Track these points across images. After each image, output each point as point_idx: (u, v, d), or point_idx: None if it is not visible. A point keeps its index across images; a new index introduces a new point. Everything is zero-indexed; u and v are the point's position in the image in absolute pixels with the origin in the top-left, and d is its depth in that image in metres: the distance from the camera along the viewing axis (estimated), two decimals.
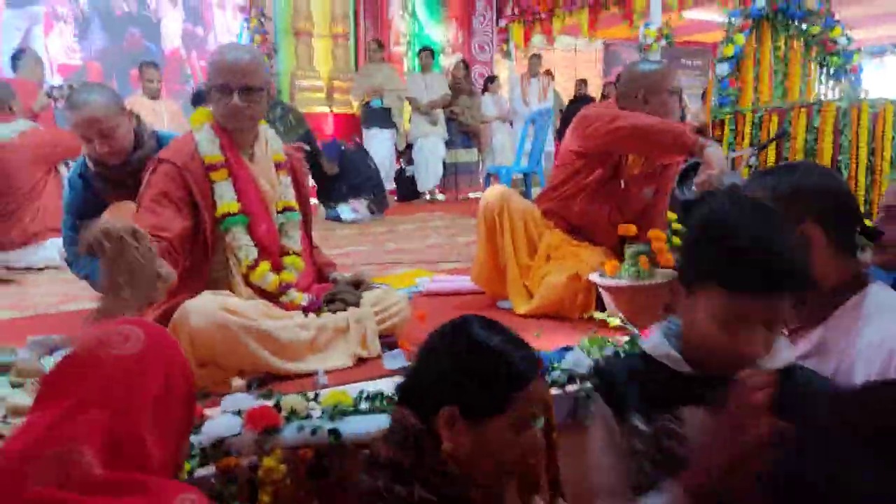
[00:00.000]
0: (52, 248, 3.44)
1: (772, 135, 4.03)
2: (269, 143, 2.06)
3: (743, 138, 4.32)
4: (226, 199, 1.89)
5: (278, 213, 2.04)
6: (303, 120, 5.67)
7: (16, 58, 4.83)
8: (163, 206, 1.80)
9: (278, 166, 2.06)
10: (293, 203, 2.08)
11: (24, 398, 1.58)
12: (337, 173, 5.67)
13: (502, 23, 9.05)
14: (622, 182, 2.45)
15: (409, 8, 8.51)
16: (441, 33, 8.74)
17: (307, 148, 5.02)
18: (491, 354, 1.03)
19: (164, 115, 5.68)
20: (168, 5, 7.58)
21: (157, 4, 7.51)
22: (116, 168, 2.26)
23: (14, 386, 1.64)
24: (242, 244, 1.91)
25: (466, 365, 1.04)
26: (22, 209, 3.65)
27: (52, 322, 2.45)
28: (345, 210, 5.58)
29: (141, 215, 1.80)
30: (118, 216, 2.30)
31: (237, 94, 1.85)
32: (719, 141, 4.49)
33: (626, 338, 2.06)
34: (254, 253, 1.92)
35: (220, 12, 7.77)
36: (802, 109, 4.01)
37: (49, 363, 1.69)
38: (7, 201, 3.64)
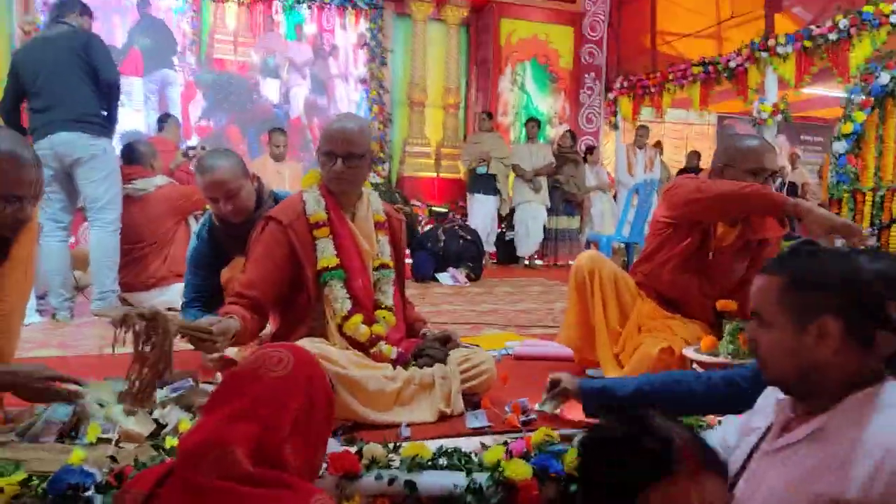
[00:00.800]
0: (175, 292, 3.73)
1: (894, 215, 3.80)
2: (371, 204, 2.20)
3: (863, 218, 4.09)
4: (326, 254, 2.03)
5: (374, 269, 2.16)
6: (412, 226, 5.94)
7: (161, 120, 5.40)
8: (264, 264, 1.99)
9: (378, 226, 2.19)
10: (389, 261, 2.19)
11: (136, 425, 1.73)
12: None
13: (610, 96, 9.14)
14: (710, 253, 2.40)
15: (518, 81, 8.79)
16: (548, 105, 8.94)
17: (407, 209, 5.28)
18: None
19: (287, 175, 6.12)
20: (297, 76, 8.25)
21: (288, 74, 8.19)
22: (239, 226, 2.47)
23: (128, 414, 1.79)
24: (339, 296, 2.03)
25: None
26: (152, 255, 4.00)
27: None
28: (444, 277, 5.74)
29: (246, 270, 2.01)
30: (238, 269, 2.53)
31: (340, 160, 2.01)
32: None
33: (720, 419, 1.98)
34: (348, 305, 2.04)
35: (342, 83, 8.35)
36: None
37: (160, 395, 1.85)
38: (141, 247, 4.01)
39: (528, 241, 7.25)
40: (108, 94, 3.62)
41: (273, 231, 2.01)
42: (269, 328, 2.22)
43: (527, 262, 7.37)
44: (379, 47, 8.34)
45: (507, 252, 7.53)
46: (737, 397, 1.61)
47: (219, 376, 1.99)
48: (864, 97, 4.38)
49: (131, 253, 3.99)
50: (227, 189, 2.37)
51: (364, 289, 2.10)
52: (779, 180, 7.31)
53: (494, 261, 7.47)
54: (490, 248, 7.29)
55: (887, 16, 5.52)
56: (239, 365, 1.25)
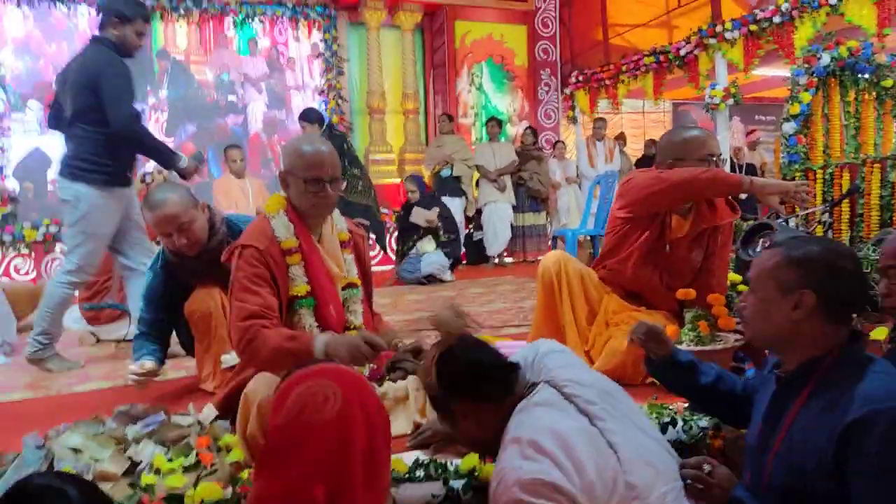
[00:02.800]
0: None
1: (844, 191, 3.92)
2: (335, 223, 2.18)
3: (815, 196, 4.21)
4: (297, 282, 1.99)
5: (342, 289, 2.14)
6: (371, 189, 5.93)
7: None
8: (262, 287, 1.93)
9: (343, 244, 2.17)
10: (356, 280, 2.17)
11: (110, 464, 1.72)
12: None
13: (567, 90, 9.25)
14: (668, 245, 2.46)
15: (475, 82, 8.85)
16: (507, 103, 9.01)
17: (366, 223, 5.32)
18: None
19: (251, 191, 6.08)
20: (253, 91, 8.19)
21: (243, 90, 8.13)
22: (194, 258, 2.45)
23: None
24: (307, 325, 2.00)
25: None
26: (114, 287, 3.96)
27: (141, 392, 2.62)
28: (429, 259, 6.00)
29: (247, 298, 1.91)
30: (205, 296, 2.51)
31: (328, 185, 1.98)
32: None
33: (687, 404, 2.04)
34: (317, 333, 1.99)
35: (299, 94, 8.31)
36: (876, 164, 3.89)
37: (133, 432, 1.84)
38: (103, 280, 3.96)
39: (496, 240, 7.31)
40: (118, 139, 3.12)
41: (253, 255, 1.96)
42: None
43: (496, 261, 7.43)
44: (334, 57, 8.32)
45: (476, 252, 7.58)
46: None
47: (191, 407, 1.98)
48: (808, 78, 4.50)
49: (94, 286, 3.95)
50: (179, 223, 2.35)
51: (335, 314, 2.08)
52: (726, 163, 7.46)
53: (464, 262, 7.51)
54: (459, 249, 7.33)
55: None
56: (281, 414, 1.09)
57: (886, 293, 1.50)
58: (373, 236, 5.90)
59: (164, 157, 3.31)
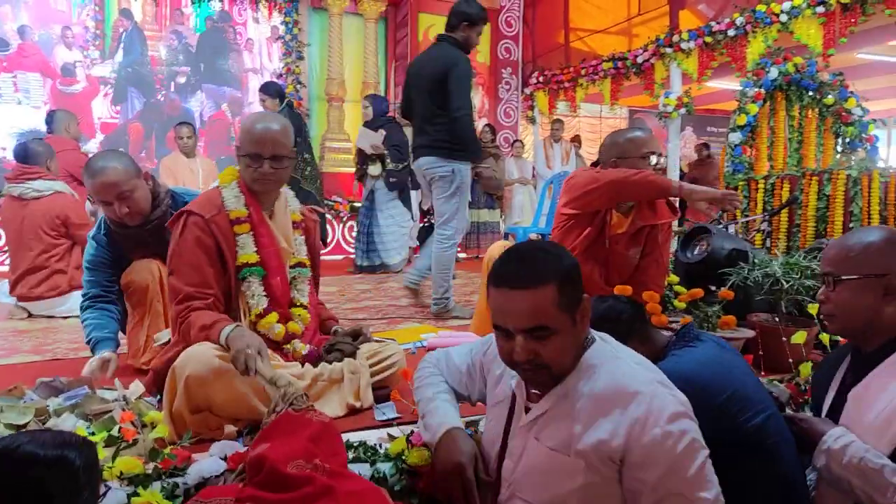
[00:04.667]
0: (76, 301, 3.59)
1: (783, 201, 4.06)
2: (289, 203, 2.21)
3: (756, 204, 4.35)
4: (246, 250, 2.02)
5: (291, 267, 2.17)
6: (318, 177, 5.84)
7: (49, 120, 5.06)
8: (200, 259, 1.94)
9: (295, 225, 2.21)
10: (305, 259, 2.21)
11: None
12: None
13: (527, 90, 9.33)
14: (607, 241, 2.52)
15: None
16: None
17: (320, 210, 5.23)
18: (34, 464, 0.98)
19: (200, 171, 5.93)
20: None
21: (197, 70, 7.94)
22: (136, 227, 2.39)
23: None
24: (255, 293, 2.02)
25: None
26: (46, 265, 3.83)
27: (68, 366, 2.55)
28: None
29: (185, 273, 1.93)
30: (142, 268, 2.44)
31: (267, 162, 2.00)
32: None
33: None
34: (264, 303, 2.03)
35: (257, 77, 8.16)
36: (814, 177, 4.04)
37: (55, 404, 1.78)
38: (31, 256, 3.83)
39: None
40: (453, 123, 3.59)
41: (198, 224, 1.97)
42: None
43: None
44: (294, 41, 8.20)
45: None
46: None
47: (117, 382, 1.93)
48: (756, 90, 4.65)
49: (34, 260, 3.81)
50: (119, 191, 2.29)
51: (282, 287, 2.10)
52: (676, 171, 7.63)
53: (417, 255, 7.49)
54: (413, 242, 7.32)
55: (777, 15, 5.87)
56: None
57: (823, 300, 1.56)
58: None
59: (473, 150, 3.74)
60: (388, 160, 5.97)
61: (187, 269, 1.94)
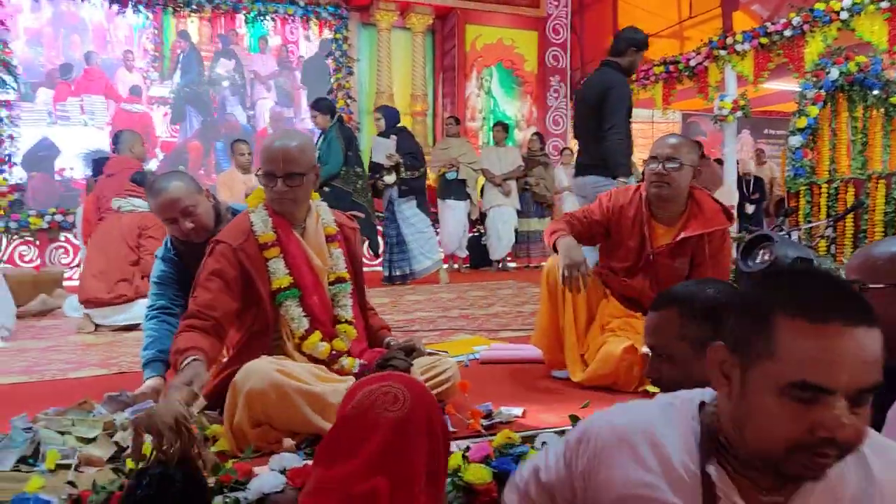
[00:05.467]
0: (140, 309, 3.71)
1: (848, 206, 3.90)
2: (322, 217, 2.16)
3: (819, 209, 4.20)
4: (278, 274, 1.99)
5: (330, 284, 2.12)
6: (368, 190, 5.88)
7: (115, 140, 5.26)
8: (215, 285, 1.93)
9: (329, 239, 2.15)
10: (344, 274, 2.15)
11: (96, 448, 1.72)
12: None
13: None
14: (651, 254, 2.47)
15: (484, 86, 8.86)
16: (515, 108, 9.01)
17: (361, 216, 5.25)
18: None
19: (256, 187, 6.08)
20: (262, 88, 8.22)
21: (252, 87, 8.16)
22: (201, 245, 2.43)
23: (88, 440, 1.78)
24: (295, 315, 2.00)
25: None
26: (115, 272, 4.00)
27: (132, 380, 2.62)
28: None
29: (197, 294, 1.94)
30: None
31: (281, 180, 1.97)
32: (795, 212, 4.38)
33: None
34: (305, 324, 2.01)
35: (309, 95, 8.33)
36: (881, 180, 3.87)
37: (121, 418, 1.84)
38: (103, 262, 4.00)
39: (499, 244, 7.31)
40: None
41: (223, 252, 1.97)
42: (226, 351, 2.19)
43: (499, 265, 7.43)
44: (344, 57, 8.35)
45: (479, 255, 7.58)
46: None
47: None
48: (816, 92, 4.50)
49: (105, 265, 3.99)
50: (183, 206, 2.34)
51: (321, 305, 2.07)
52: (733, 175, 7.42)
53: (468, 265, 7.50)
54: (462, 252, 7.33)
55: (837, 13, 5.67)
56: (350, 406, 1.13)
57: None
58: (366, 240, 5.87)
59: (618, 168, 3.71)
60: (403, 169, 5.98)
61: (200, 291, 1.94)
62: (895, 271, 1.39)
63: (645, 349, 2.33)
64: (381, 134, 6.04)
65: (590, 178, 3.82)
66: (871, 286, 1.41)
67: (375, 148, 5.95)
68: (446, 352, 2.68)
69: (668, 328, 1.36)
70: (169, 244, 2.53)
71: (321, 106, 5.69)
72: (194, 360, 1.76)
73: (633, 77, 8.15)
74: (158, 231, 4.06)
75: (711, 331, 1.25)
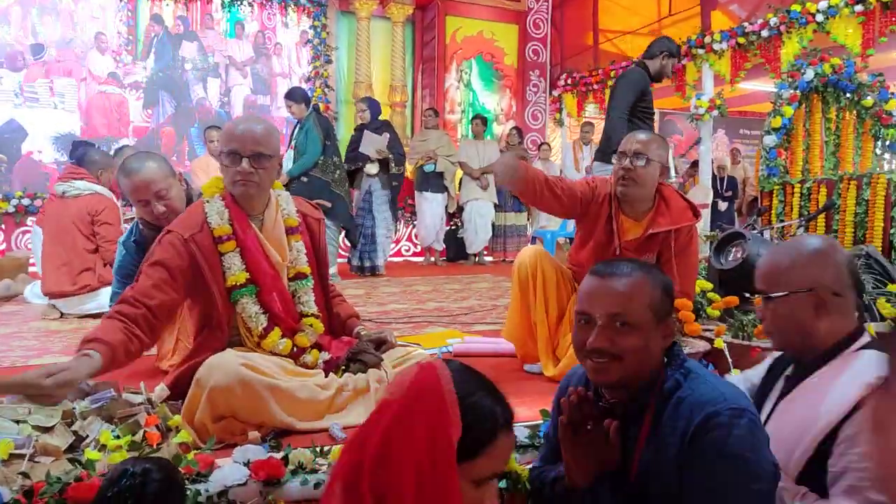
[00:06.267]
0: (105, 297, 3.63)
1: (820, 206, 3.95)
2: (282, 207, 2.07)
3: (791, 209, 4.24)
4: (234, 270, 1.90)
5: (290, 279, 2.04)
6: (346, 181, 5.82)
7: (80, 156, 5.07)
8: (158, 274, 1.84)
9: (290, 231, 2.06)
10: (305, 269, 2.07)
11: (54, 438, 1.67)
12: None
13: (555, 93, 9.25)
14: (618, 248, 2.45)
15: (464, 79, 8.82)
16: (495, 102, 8.99)
17: (327, 204, 5.21)
18: (468, 403, 0.99)
19: None
20: (238, 75, 8.09)
21: (227, 75, 8.03)
22: None
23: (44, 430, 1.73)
24: (252, 313, 1.92)
25: None
26: (76, 262, 3.89)
27: None
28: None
29: (138, 279, 1.85)
30: None
31: (246, 160, 1.87)
32: (768, 210, 4.42)
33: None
34: (263, 321, 1.93)
35: (285, 82, 8.22)
36: (852, 181, 3.92)
37: (81, 406, 1.78)
38: (62, 252, 3.89)
39: (476, 238, 7.30)
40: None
41: (172, 242, 1.87)
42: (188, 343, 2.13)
43: (476, 259, 7.42)
44: (323, 45, 8.24)
45: (456, 249, 7.56)
46: None
47: (143, 385, 1.93)
48: (791, 92, 4.54)
49: (66, 256, 3.88)
50: (156, 189, 2.29)
51: (281, 301, 1.98)
52: (707, 174, 7.49)
53: (444, 258, 7.48)
54: (439, 245, 7.31)
55: (813, 14, 5.74)
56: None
57: (761, 317, 1.50)
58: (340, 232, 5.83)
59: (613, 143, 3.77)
60: (393, 164, 5.99)
61: (141, 277, 1.85)
62: (795, 277, 1.41)
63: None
64: (367, 126, 6.01)
65: (595, 164, 4.05)
66: (773, 295, 1.44)
67: (366, 142, 5.90)
68: (419, 344, 2.66)
69: (641, 296, 1.28)
70: (136, 228, 2.48)
71: (296, 95, 5.61)
72: (84, 354, 1.70)
73: (598, 73, 8.22)
74: (110, 215, 3.97)
75: (670, 305, 1.33)
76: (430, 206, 7.11)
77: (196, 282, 1.90)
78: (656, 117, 12.46)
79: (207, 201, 1.95)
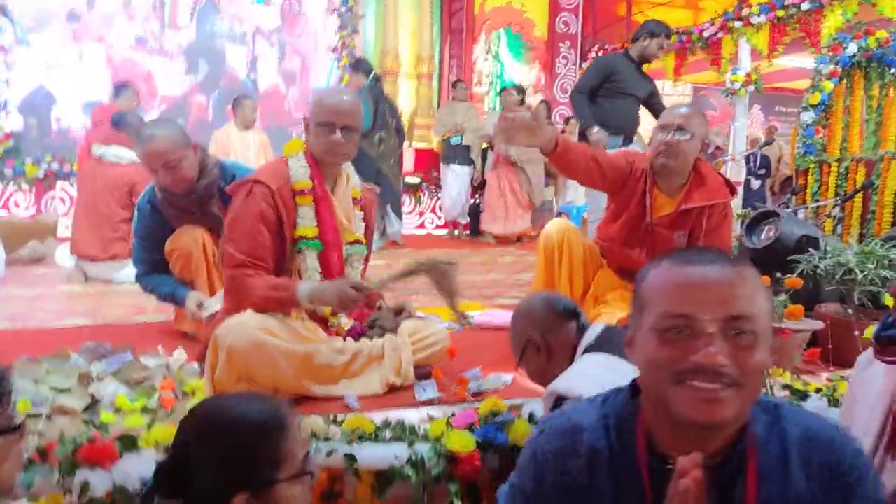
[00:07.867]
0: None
1: (858, 186, 3.80)
2: (350, 179, 2.18)
3: (828, 189, 4.09)
4: (306, 222, 2.00)
5: (348, 244, 2.14)
6: (394, 153, 5.83)
7: (118, 89, 5.18)
8: (261, 233, 1.93)
9: (355, 202, 2.18)
10: (362, 237, 2.18)
11: (70, 399, 1.68)
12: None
13: (585, 65, 9.04)
14: (650, 225, 2.41)
15: (492, 50, 8.67)
16: (523, 74, 8.83)
17: (376, 189, 5.20)
18: (243, 426, 1.00)
19: (253, 145, 5.98)
20: (265, 43, 8.04)
21: (253, 43, 7.98)
22: (182, 196, 2.40)
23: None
24: (310, 267, 2.00)
25: (229, 448, 0.98)
26: (109, 230, 3.91)
27: (118, 332, 2.58)
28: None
29: (241, 241, 1.91)
30: (186, 235, 2.45)
31: (340, 131, 1.98)
32: (803, 189, 4.28)
33: None
34: (317, 277, 2.00)
35: (312, 51, 8.14)
36: (893, 160, 3.76)
37: (97, 369, 1.79)
38: (97, 218, 3.91)
39: None
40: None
41: (263, 195, 1.94)
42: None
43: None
44: (349, 14, 8.14)
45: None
46: None
47: (160, 349, 1.94)
48: (832, 67, 4.35)
49: (98, 221, 3.90)
50: (167, 159, 2.31)
51: (336, 263, 2.08)
52: (741, 153, 7.31)
53: (467, 232, 7.43)
54: (464, 218, 7.25)
55: None
56: None
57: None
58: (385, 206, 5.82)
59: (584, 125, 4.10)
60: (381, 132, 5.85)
61: (244, 238, 1.91)
62: (516, 334, 1.71)
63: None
64: (369, 90, 5.75)
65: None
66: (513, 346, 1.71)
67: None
68: (438, 316, 2.64)
69: (761, 295, 0.92)
70: (149, 192, 2.51)
71: (357, 66, 5.67)
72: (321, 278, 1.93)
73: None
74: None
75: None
76: (457, 179, 7.04)
77: (280, 232, 1.99)
78: (689, 91, 12.19)
79: (291, 157, 2.04)
